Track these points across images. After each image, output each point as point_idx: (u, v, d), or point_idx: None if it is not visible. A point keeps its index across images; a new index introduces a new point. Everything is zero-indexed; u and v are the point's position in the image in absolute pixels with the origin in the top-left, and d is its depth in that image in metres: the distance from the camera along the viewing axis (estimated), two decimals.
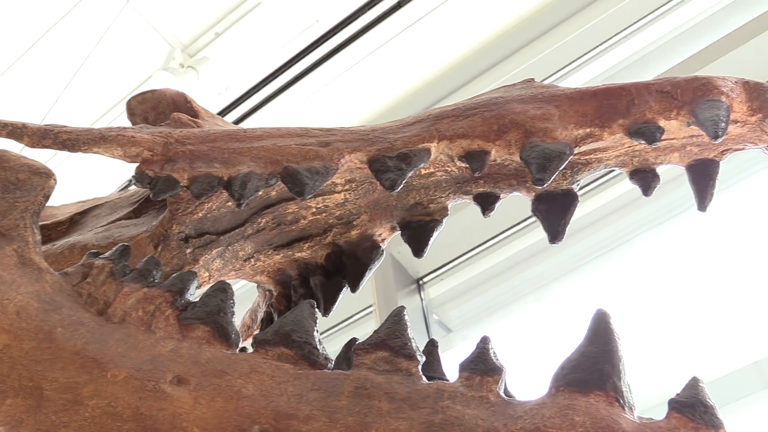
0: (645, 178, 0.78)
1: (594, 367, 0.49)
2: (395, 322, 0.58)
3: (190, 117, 0.85)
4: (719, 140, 0.66)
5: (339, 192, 0.84)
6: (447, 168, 0.81)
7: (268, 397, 0.56)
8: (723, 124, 0.67)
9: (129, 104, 0.96)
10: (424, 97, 3.64)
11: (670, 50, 3.48)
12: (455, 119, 0.76)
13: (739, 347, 2.86)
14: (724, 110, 0.69)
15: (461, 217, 3.32)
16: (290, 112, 3.73)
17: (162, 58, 3.47)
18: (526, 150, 0.71)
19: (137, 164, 0.76)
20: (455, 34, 3.56)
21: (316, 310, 0.64)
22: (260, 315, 0.97)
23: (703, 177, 0.75)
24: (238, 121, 3.72)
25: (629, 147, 0.76)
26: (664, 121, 0.71)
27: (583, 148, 0.74)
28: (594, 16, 3.65)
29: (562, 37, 3.78)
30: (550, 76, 3.71)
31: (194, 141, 0.77)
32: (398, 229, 0.87)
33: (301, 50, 3.54)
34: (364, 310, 3.52)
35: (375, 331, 0.59)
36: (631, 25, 3.53)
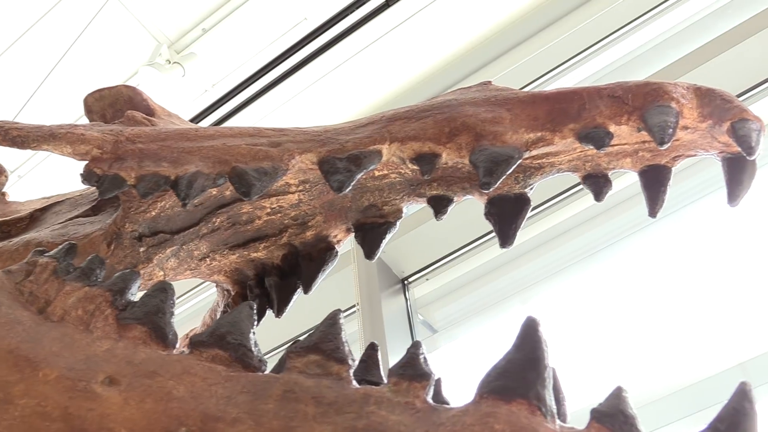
0: (597, 183, 0.77)
1: (518, 375, 0.48)
2: (329, 325, 0.57)
3: (144, 115, 0.85)
4: (665, 146, 0.66)
5: (293, 193, 0.83)
6: (401, 170, 0.81)
7: (198, 399, 0.55)
8: (671, 131, 0.67)
9: (86, 101, 0.95)
10: (412, 96, 3.64)
11: (658, 54, 3.49)
12: (408, 121, 0.75)
13: (724, 349, 2.86)
14: (673, 116, 0.68)
15: (447, 216, 3.33)
16: (277, 110, 3.72)
17: (147, 53, 3.46)
18: (475, 153, 0.70)
19: (86, 162, 0.75)
20: (443, 35, 3.56)
21: (270, 310, 0.64)
22: (219, 314, 0.96)
23: (654, 183, 0.75)
24: (224, 119, 3.72)
25: (581, 151, 0.76)
26: (615, 126, 0.71)
27: (535, 152, 0.73)
28: (583, 19, 3.66)
29: (550, 39, 3.79)
30: (537, 78, 3.72)
31: (145, 139, 0.76)
32: (353, 230, 0.86)
33: (289, 48, 3.53)
34: (347, 310, 3.51)
35: (309, 334, 0.58)
36: (619, 29, 3.54)
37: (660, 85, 0.71)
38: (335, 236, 0.87)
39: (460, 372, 3.61)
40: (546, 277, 3.62)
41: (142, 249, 0.85)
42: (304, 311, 3.40)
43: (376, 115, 0.79)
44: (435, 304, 3.74)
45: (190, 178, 0.71)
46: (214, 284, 0.97)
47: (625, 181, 3.15)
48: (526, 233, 3.46)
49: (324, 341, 0.56)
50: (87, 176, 0.74)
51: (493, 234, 2.88)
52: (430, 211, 2.78)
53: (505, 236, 0.77)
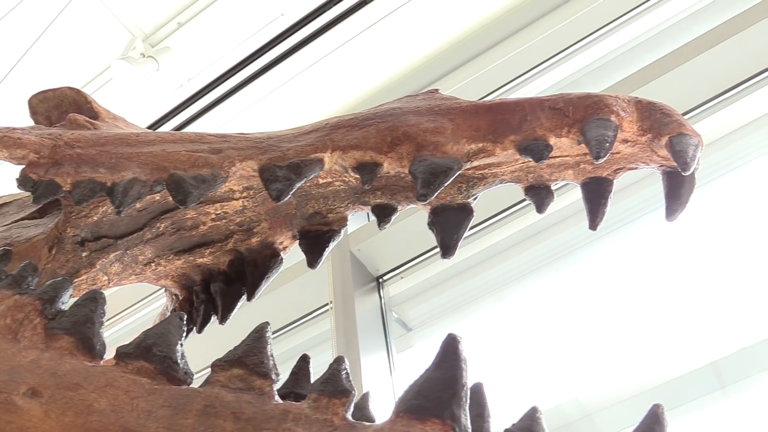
0: (539, 194, 0.77)
1: (434, 394, 0.48)
2: (255, 339, 0.57)
3: (87, 118, 0.83)
4: (601, 161, 0.65)
5: (237, 199, 0.83)
6: (345, 178, 0.80)
7: (119, 413, 0.54)
8: (607, 145, 0.66)
9: (30, 102, 0.94)
10: (387, 95, 3.63)
11: (620, 64, 3.52)
12: (351, 129, 0.75)
13: (697, 347, 2.89)
14: (611, 130, 0.68)
15: (423, 214, 3.33)
16: (252, 107, 3.70)
17: (121, 46, 3.42)
18: (415, 164, 0.70)
19: (23, 166, 0.74)
20: (420, 34, 3.55)
21: (215, 318, 0.63)
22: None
23: (595, 195, 0.75)
24: (200, 114, 3.69)
25: (523, 163, 0.75)
26: (555, 138, 0.70)
27: (477, 163, 0.73)
28: (557, 22, 3.67)
29: (530, 39, 3.80)
30: (515, 78, 3.73)
31: (84, 144, 0.75)
32: (298, 237, 0.86)
33: (265, 44, 3.51)
34: (320, 308, 3.51)
35: (234, 347, 0.58)
36: (590, 34, 3.56)
37: (601, 98, 0.71)
38: (281, 243, 0.86)
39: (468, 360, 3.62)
40: (521, 276, 3.63)
41: (84, 254, 0.84)
42: (277, 308, 3.39)
43: (320, 122, 0.78)
44: (410, 302, 3.74)
45: (126, 185, 0.70)
46: (163, 289, 0.96)
47: None
48: (500, 232, 3.47)
49: (248, 355, 0.56)
50: (22, 181, 0.72)
51: (469, 233, 2.88)
52: (407, 209, 2.78)
53: (447, 247, 0.77)
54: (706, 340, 2.92)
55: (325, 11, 3.39)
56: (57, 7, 3.14)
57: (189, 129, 3.70)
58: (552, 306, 3.50)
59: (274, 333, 2.98)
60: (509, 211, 3.41)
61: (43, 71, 3.47)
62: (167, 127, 3.70)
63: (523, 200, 2.89)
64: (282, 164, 0.72)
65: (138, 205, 0.82)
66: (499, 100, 0.74)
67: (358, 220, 3.56)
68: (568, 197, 3.31)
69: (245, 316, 2.98)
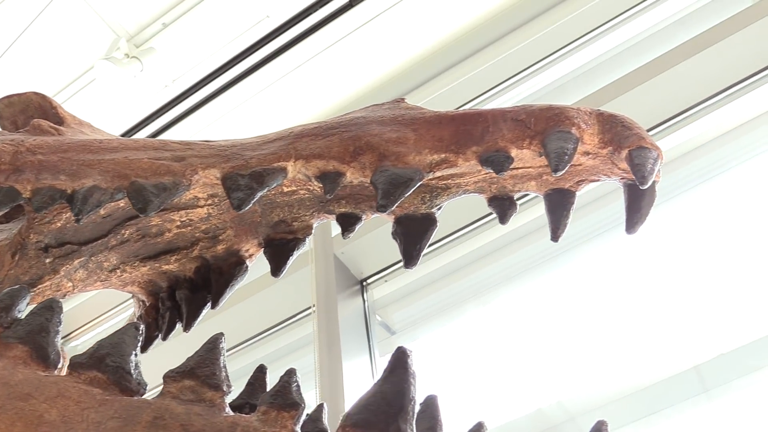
0: (502, 205, 0.77)
1: (381, 409, 0.48)
2: (208, 350, 0.57)
3: (51, 124, 0.83)
4: (560, 173, 0.66)
5: (202, 206, 0.82)
6: (309, 187, 0.80)
7: (69, 424, 0.54)
8: (566, 157, 0.67)
9: None
10: (372, 98, 3.63)
11: (610, 67, 3.54)
12: (314, 138, 0.75)
13: (680, 351, 2.91)
14: (571, 142, 0.68)
15: None
16: (237, 108, 3.69)
17: (105, 46, 3.40)
18: (376, 174, 0.70)
19: None
20: (406, 37, 3.55)
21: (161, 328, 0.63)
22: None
23: (558, 206, 0.75)
24: (184, 115, 3.68)
25: (487, 173, 0.76)
26: (516, 150, 0.71)
27: (440, 174, 0.73)
28: (538, 30, 3.69)
29: (511, 46, 3.81)
30: (499, 84, 3.74)
31: (46, 151, 0.75)
32: (263, 245, 0.86)
33: (251, 45, 3.50)
34: (304, 311, 3.50)
35: (187, 358, 0.58)
36: (571, 42, 3.58)
37: (562, 110, 0.71)
38: (247, 250, 0.86)
39: (418, 373, 3.63)
40: (506, 280, 3.64)
41: (48, 260, 0.83)
42: (260, 311, 3.38)
43: (285, 130, 0.78)
44: (394, 305, 3.74)
45: (86, 193, 0.70)
46: (131, 295, 0.96)
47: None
48: (484, 236, 3.48)
49: (200, 366, 0.56)
50: None
51: (454, 237, 2.89)
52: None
53: (409, 256, 0.77)
54: (689, 344, 2.94)
55: (311, 13, 3.39)
56: (39, 5, 3.12)
57: (173, 131, 3.68)
58: (536, 310, 3.51)
59: (257, 336, 2.97)
60: (493, 216, 3.41)
61: (24, 70, 3.45)
62: (151, 128, 3.69)
63: None
64: (244, 173, 0.72)
65: (102, 212, 0.81)
66: (462, 110, 0.75)
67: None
68: None
69: (229, 318, 2.97)
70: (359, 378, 3.06)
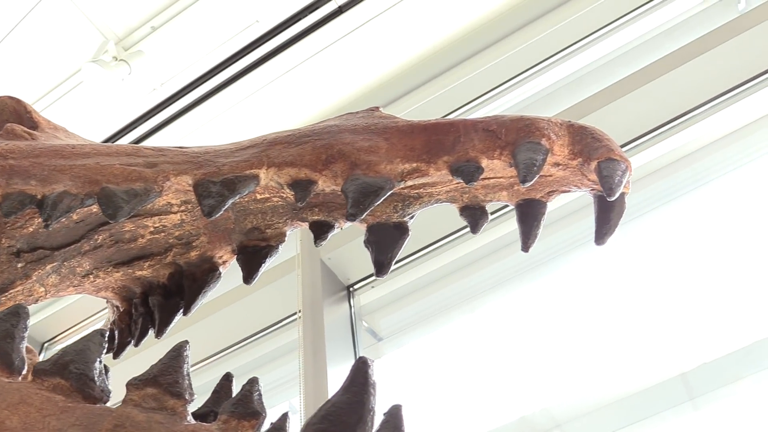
0: (474, 214, 0.78)
1: (339, 419, 0.48)
2: (172, 357, 0.57)
3: (25, 128, 0.83)
4: (528, 185, 0.66)
5: (175, 212, 0.82)
6: (282, 194, 0.80)
7: (30, 431, 0.54)
8: (535, 169, 0.67)
9: None
10: (361, 104, 3.64)
11: (600, 75, 3.56)
12: (287, 146, 0.75)
13: (666, 359, 2.92)
14: (541, 154, 0.69)
15: None
16: (226, 112, 3.69)
17: (93, 49, 3.39)
18: (347, 183, 0.70)
19: None
20: (393, 45, 3.57)
21: (113, 337, 0.62)
22: (110, 328, 0.95)
23: (528, 217, 0.75)
24: (173, 118, 3.67)
25: (458, 183, 0.76)
26: (487, 160, 0.71)
27: (412, 183, 0.73)
28: (534, 35, 3.71)
29: (504, 52, 3.83)
30: (488, 91, 3.76)
31: (18, 155, 0.75)
32: (237, 252, 0.86)
33: (240, 50, 3.50)
34: (289, 316, 3.49)
35: (151, 366, 0.58)
36: (562, 49, 3.60)
37: (533, 121, 0.71)
38: (220, 257, 0.86)
39: (404, 380, 3.63)
40: (493, 286, 3.65)
41: (20, 265, 0.83)
42: (246, 316, 3.37)
43: (259, 137, 0.78)
44: (381, 311, 3.74)
45: (56, 199, 0.69)
46: (105, 300, 0.96)
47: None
48: (472, 243, 3.49)
49: (163, 374, 0.56)
50: None
51: (440, 244, 2.90)
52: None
53: (380, 265, 0.77)
54: (675, 352, 2.96)
55: (300, 19, 3.39)
56: (27, 5, 3.11)
57: (161, 134, 3.68)
58: (522, 317, 3.52)
59: (242, 341, 2.96)
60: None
61: (11, 71, 3.44)
62: (138, 131, 3.69)
63: (495, 212, 2.90)
64: (216, 180, 0.72)
65: (75, 217, 0.81)
66: (435, 120, 0.75)
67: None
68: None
69: (215, 323, 2.96)
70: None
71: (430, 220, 3.33)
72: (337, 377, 3.06)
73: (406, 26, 3.49)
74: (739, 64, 3.07)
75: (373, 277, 3.59)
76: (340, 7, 3.34)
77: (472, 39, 3.71)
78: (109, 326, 0.92)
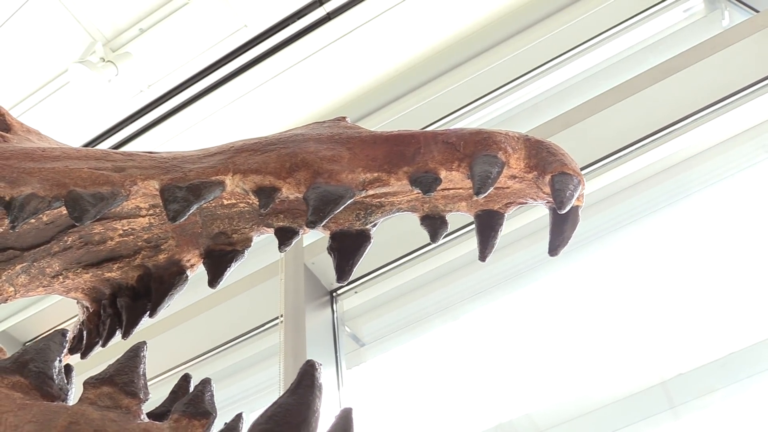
0: (434, 224, 0.80)
1: (284, 419, 0.50)
2: (129, 357, 0.58)
3: None
4: (482, 196, 0.68)
5: (144, 216, 0.84)
6: (248, 200, 0.82)
7: None
8: (490, 181, 0.69)
9: None
10: (346, 110, 3.66)
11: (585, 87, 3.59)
12: (253, 153, 0.77)
13: (647, 367, 2.94)
14: (497, 166, 0.71)
15: (380, 231, 3.36)
16: (213, 115, 3.71)
17: (80, 50, 3.40)
18: (309, 191, 0.72)
19: None
20: (380, 53, 3.60)
21: (69, 338, 0.64)
22: (79, 328, 0.96)
23: (486, 227, 0.78)
24: (158, 122, 3.68)
25: (419, 193, 0.78)
26: (446, 171, 0.73)
27: (372, 192, 0.75)
28: (519, 46, 3.74)
29: (491, 62, 3.87)
30: (474, 101, 3.80)
31: None
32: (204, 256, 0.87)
33: (227, 54, 3.52)
34: (271, 321, 3.50)
35: (108, 366, 0.59)
36: (548, 61, 3.64)
37: (491, 134, 0.74)
38: (188, 261, 0.88)
39: (386, 386, 3.64)
40: (477, 294, 3.67)
41: None
42: (228, 320, 3.37)
43: (226, 144, 0.80)
44: (364, 317, 3.75)
45: (24, 201, 0.71)
46: (75, 301, 0.97)
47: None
48: (457, 250, 3.51)
49: (119, 374, 0.58)
50: None
51: (425, 251, 2.92)
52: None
53: (342, 271, 0.79)
54: (656, 360, 2.98)
55: (288, 25, 3.42)
56: (14, 5, 3.12)
57: (146, 136, 3.69)
58: (504, 325, 3.54)
59: (224, 345, 2.95)
60: (463, 231, 3.46)
61: None
62: (124, 133, 3.70)
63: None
64: (182, 185, 0.74)
65: (45, 219, 0.83)
66: (397, 131, 0.77)
67: (314, 233, 3.57)
68: (521, 219, 3.37)
69: (197, 326, 2.95)
70: (324, 389, 3.07)
71: (414, 227, 3.36)
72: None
73: (393, 35, 3.52)
74: (722, 79, 3.11)
75: (357, 283, 3.61)
76: (328, 14, 3.37)
77: (458, 49, 3.75)
78: (78, 326, 0.94)
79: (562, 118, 3.32)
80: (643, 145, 3.25)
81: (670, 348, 2.97)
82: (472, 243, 3.44)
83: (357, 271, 2.89)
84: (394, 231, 3.38)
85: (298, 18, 3.37)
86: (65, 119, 3.56)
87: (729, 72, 3.07)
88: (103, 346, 0.90)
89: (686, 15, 3.95)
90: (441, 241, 3.04)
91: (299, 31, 3.42)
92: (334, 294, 3.61)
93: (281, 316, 3.24)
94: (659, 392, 2.90)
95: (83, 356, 0.90)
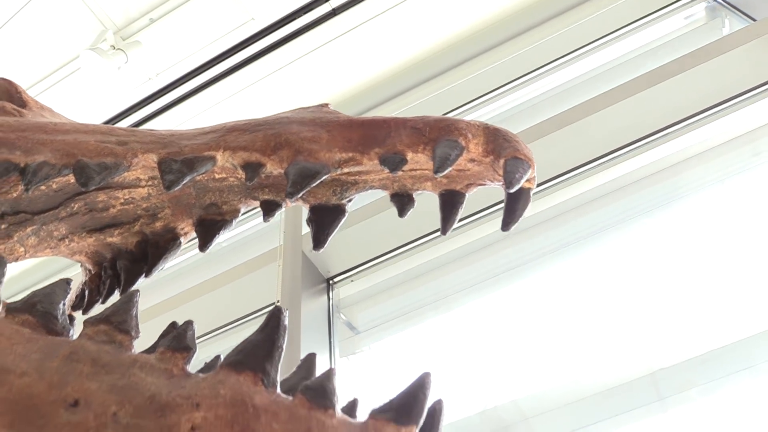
0: (401, 200, 0.89)
1: (251, 352, 0.59)
2: (124, 302, 0.68)
3: (15, 106, 0.94)
4: (440, 175, 0.77)
5: (143, 187, 0.93)
6: (237, 175, 0.91)
7: (0, 355, 0.65)
8: (449, 162, 0.78)
9: None
10: (351, 103, 3.74)
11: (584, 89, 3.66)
12: (242, 133, 0.86)
13: (637, 358, 3.01)
14: (457, 150, 0.80)
15: (378, 220, 3.44)
16: (218, 105, 3.80)
17: (91, 37, 3.50)
18: (290, 166, 0.81)
19: None
20: (383, 49, 3.68)
21: (72, 285, 0.73)
22: (80, 289, 1.06)
23: (448, 205, 0.87)
24: (164, 109, 3.78)
25: (388, 172, 0.87)
26: (412, 153, 0.82)
27: (347, 170, 0.84)
28: (522, 46, 3.81)
29: (492, 61, 3.94)
30: (477, 98, 3.87)
31: (6, 129, 0.86)
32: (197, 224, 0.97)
33: (234, 45, 3.61)
34: (268, 306, 3.59)
35: (105, 308, 0.69)
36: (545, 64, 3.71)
37: (453, 121, 0.83)
38: (182, 228, 0.97)
39: (381, 373, 3.73)
40: (472, 286, 3.75)
41: (3, 226, 0.94)
42: (226, 304, 3.46)
43: (219, 125, 0.90)
44: (359, 305, 3.84)
45: (36, 167, 0.80)
46: (79, 264, 1.07)
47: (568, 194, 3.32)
48: (454, 241, 3.59)
49: (114, 315, 0.67)
50: None
51: (421, 242, 3.00)
52: (360, 212, 2.88)
53: (318, 241, 0.88)
54: (646, 351, 3.04)
55: (294, 19, 3.50)
56: None
57: (154, 123, 3.78)
58: (496, 316, 3.62)
59: (220, 328, 3.05)
60: (459, 224, 3.53)
61: (10, 55, 3.54)
62: (132, 119, 3.79)
63: (473, 214, 3.00)
64: (178, 158, 0.83)
65: (54, 186, 0.92)
66: (370, 117, 0.86)
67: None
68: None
69: (194, 309, 3.04)
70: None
71: (410, 220, 3.44)
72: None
73: (395, 33, 3.60)
74: (717, 85, 3.18)
75: (354, 271, 3.70)
76: (333, 9, 3.46)
77: (459, 48, 3.83)
78: (80, 286, 1.03)
79: (559, 118, 3.39)
80: (639, 147, 3.32)
81: (659, 340, 3.04)
82: (466, 237, 3.54)
83: (354, 259, 2.99)
84: (391, 222, 3.47)
85: (305, 12, 3.46)
86: (76, 103, 3.66)
87: (724, 78, 3.14)
88: (103, 303, 0.99)
89: (687, 22, 4.01)
90: (434, 235, 3.13)
91: (305, 25, 3.51)
92: (331, 282, 3.70)
93: (278, 301, 3.33)
94: (647, 384, 2.96)
95: (84, 312, 0.99)
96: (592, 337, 3.24)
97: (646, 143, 3.27)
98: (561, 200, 3.35)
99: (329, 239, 0.89)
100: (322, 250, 0.87)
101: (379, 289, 3.75)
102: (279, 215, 3.95)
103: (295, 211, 3.68)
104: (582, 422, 2.94)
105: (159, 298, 3.63)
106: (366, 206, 3.45)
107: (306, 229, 3.60)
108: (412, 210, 0.89)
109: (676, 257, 3.21)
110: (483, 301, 3.74)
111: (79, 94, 3.60)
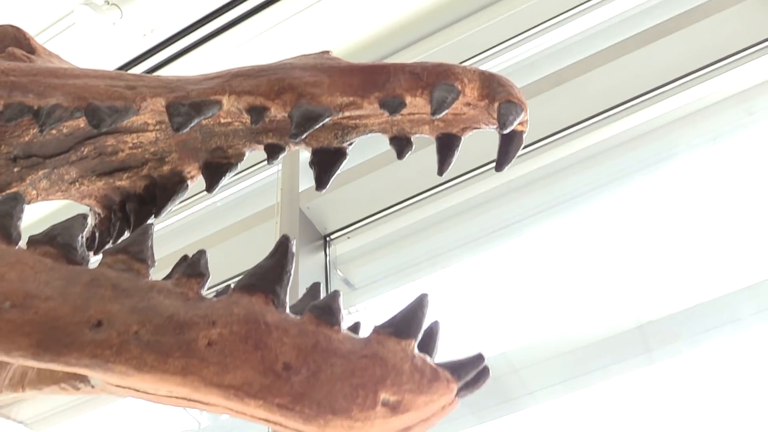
0: (400, 143, 0.93)
1: (262, 275, 0.64)
2: (140, 234, 0.72)
3: (24, 52, 0.97)
4: (437, 117, 0.81)
5: (151, 131, 0.97)
6: (242, 119, 0.95)
7: (24, 282, 0.69)
8: (445, 105, 0.82)
9: None
10: (354, 55, 3.74)
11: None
12: (247, 78, 0.89)
13: (625, 310, 3.09)
14: (453, 93, 0.83)
15: (375, 176, 3.48)
16: (216, 61, 3.79)
17: None
18: (294, 109, 0.85)
19: None
20: (386, 2, 3.66)
21: (89, 220, 0.77)
22: (90, 232, 1.10)
23: (445, 148, 0.91)
24: (162, 64, 3.77)
25: (388, 116, 0.91)
26: (410, 97, 0.86)
27: (348, 114, 0.88)
28: (517, 4, 3.81)
29: (492, 17, 3.94)
30: (478, 53, 3.88)
31: (18, 74, 0.89)
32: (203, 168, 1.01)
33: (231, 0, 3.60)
34: None
35: (123, 239, 0.73)
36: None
37: (450, 67, 0.86)
38: (189, 172, 1.01)
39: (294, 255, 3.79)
40: (467, 244, 3.80)
41: (16, 169, 0.97)
42: (223, 260, 3.51)
43: (224, 70, 0.93)
44: (356, 261, 3.90)
45: (50, 110, 0.84)
46: (89, 207, 1.11)
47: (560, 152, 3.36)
48: (450, 198, 3.62)
49: (132, 245, 0.71)
50: None
51: (417, 199, 3.05)
52: (357, 169, 2.93)
53: (320, 182, 0.92)
54: (635, 303, 3.12)
55: None
56: None
57: None
58: (489, 272, 3.69)
59: (216, 285, 3.11)
60: (456, 181, 3.57)
61: (3, 11, 3.52)
62: None
63: (470, 171, 3.04)
64: (185, 102, 0.87)
65: (65, 130, 0.96)
66: (371, 63, 0.89)
67: (310, 178, 3.68)
68: (516, 171, 3.49)
69: None
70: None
71: (408, 175, 3.48)
72: None
73: None
74: (715, 43, 3.20)
75: (350, 228, 3.75)
76: None
77: (455, 5, 3.82)
78: (91, 229, 1.07)
79: (554, 76, 3.41)
80: (634, 105, 3.35)
81: (647, 294, 3.11)
82: (463, 194, 3.58)
83: (351, 216, 3.04)
84: (388, 178, 3.51)
85: None
86: (71, 60, 3.64)
87: (719, 37, 3.15)
88: (113, 244, 1.03)
89: None
90: (431, 192, 3.17)
91: None
92: (328, 238, 3.75)
93: None
94: (636, 336, 3.04)
95: (95, 253, 1.04)
96: (582, 290, 3.32)
97: (641, 101, 3.30)
98: (555, 158, 3.39)
99: (331, 181, 0.93)
100: (321, 196, 0.91)
101: (376, 245, 3.80)
102: (276, 173, 3.97)
103: (292, 169, 3.71)
104: (571, 373, 3.03)
105: (156, 255, 3.66)
106: (362, 163, 3.48)
107: (303, 186, 3.64)
108: (409, 153, 0.93)
109: (667, 214, 3.27)
110: (478, 257, 3.80)
111: (75, 50, 3.59)
